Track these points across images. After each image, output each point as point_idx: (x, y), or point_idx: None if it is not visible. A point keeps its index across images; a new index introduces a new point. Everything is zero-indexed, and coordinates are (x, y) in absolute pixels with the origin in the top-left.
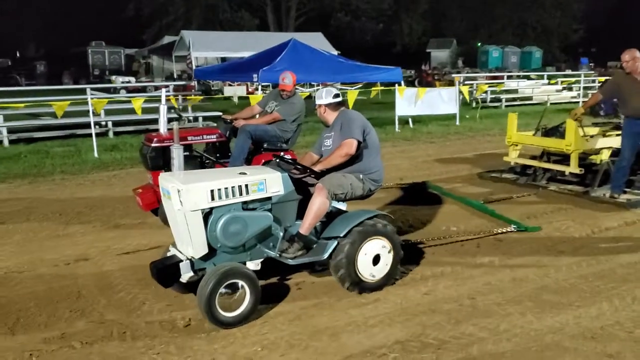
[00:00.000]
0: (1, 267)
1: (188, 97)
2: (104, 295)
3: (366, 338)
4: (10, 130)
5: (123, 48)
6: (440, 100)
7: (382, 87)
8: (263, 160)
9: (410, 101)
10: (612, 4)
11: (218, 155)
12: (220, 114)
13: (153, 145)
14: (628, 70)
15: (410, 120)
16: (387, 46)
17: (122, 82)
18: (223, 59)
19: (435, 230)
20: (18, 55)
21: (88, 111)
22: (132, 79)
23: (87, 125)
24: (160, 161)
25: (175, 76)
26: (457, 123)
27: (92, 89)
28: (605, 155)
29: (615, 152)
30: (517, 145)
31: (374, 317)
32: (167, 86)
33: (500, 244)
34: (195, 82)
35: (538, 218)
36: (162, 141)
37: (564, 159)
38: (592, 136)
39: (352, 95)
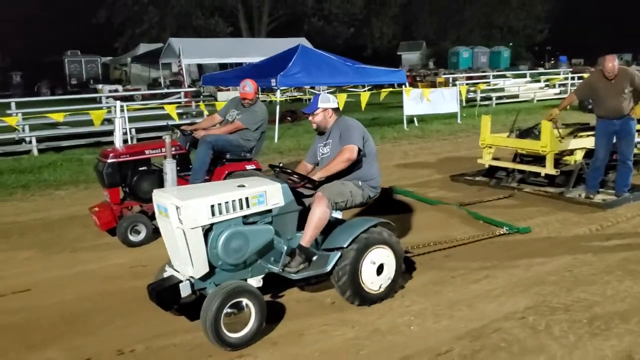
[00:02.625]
0: (124, 263)
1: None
2: None
3: (499, 306)
4: (38, 140)
5: (100, 57)
6: (443, 100)
7: (370, 90)
8: (226, 172)
9: (417, 101)
10: (569, 5)
11: (178, 168)
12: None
13: (109, 161)
14: (610, 75)
15: (415, 119)
16: (358, 50)
17: (110, 91)
18: (199, 66)
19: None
20: None
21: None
22: (119, 87)
23: (108, 133)
24: (117, 178)
25: (162, 84)
26: (459, 121)
27: (106, 97)
28: (579, 156)
29: (588, 153)
30: (490, 147)
31: (495, 290)
32: (178, 93)
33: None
34: (202, 88)
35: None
36: (119, 156)
37: (535, 160)
38: (563, 138)
39: (365, 96)
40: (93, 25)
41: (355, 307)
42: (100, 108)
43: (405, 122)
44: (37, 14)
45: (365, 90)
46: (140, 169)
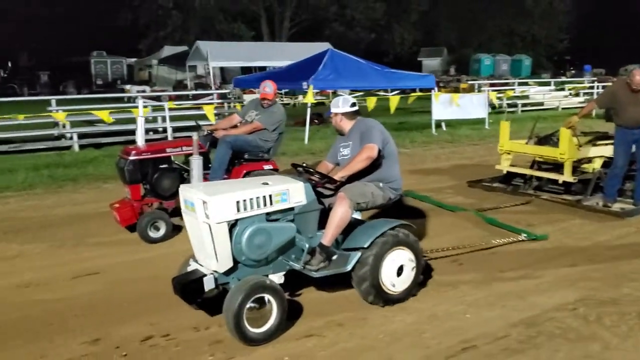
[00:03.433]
0: (187, 250)
1: None
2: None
3: (548, 298)
4: (79, 136)
5: (125, 58)
6: (471, 105)
7: (398, 94)
8: (244, 171)
9: (445, 106)
10: (587, 13)
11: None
12: None
13: (131, 158)
14: (637, 88)
15: (443, 123)
16: (379, 55)
17: (138, 92)
18: (222, 69)
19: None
20: (10, 65)
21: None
22: (147, 87)
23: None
24: (138, 175)
25: (189, 86)
26: (487, 127)
27: (144, 97)
28: (597, 164)
29: (607, 163)
30: (509, 153)
31: (542, 284)
32: (209, 95)
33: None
34: (234, 90)
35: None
36: (140, 154)
37: (553, 167)
38: (581, 146)
39: (394, 100)
40: (117, 27)
41: (412, 297)
42: (136, 107)
43: (433, 126)
44: (62, 14)
45: (393, 94)
46: (161, 166)
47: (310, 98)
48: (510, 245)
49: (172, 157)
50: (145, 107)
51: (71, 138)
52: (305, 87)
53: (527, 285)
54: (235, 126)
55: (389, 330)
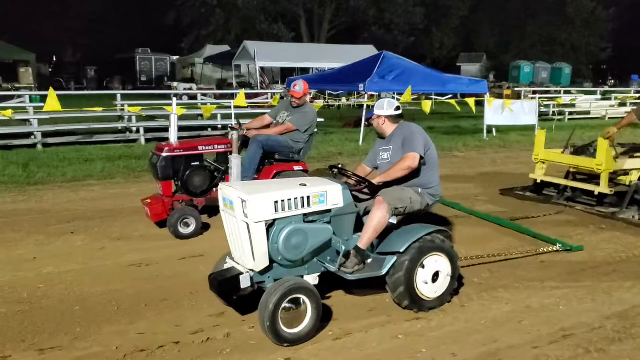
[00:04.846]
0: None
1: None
2: None
3: (634, 295)
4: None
5: (169, 55)
6: (522, 112)
7: (446, 99)
8: (274, 171)
9: (497, 111)
10: (626, 23)
11: (229, 165)
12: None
13: (164, 155)
14: None
15: (494, 129)
16: (417, 59)
17: (185, 89)
18: (262, 69)
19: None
20: (55, 59)
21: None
22: (194, 85)
23: (205, 127)
24: (170, 171)
25: (234, 85)
26: (536, 134)
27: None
28: (634, 177)
29: None
30: (543, 162)
31: (626, 282)
32: (264, 94)
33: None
34: (286, 90)
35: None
36: (173, 151)
37: (588, 178)
38: (618, 157)
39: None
40: (160, 25)
41: (504, 287)
42: (202, 104)
43: (485, 131)
44: (108, 11)
45: (446, 99)
46: (192, 164)
47: (368, 100)
48: (558, 254)
49: (204, 155)
50: (204, 104)
51: (138, 132)
52: (361, 89)
53: (611, 284)
54: (267, 127)
55: (489, 317)
